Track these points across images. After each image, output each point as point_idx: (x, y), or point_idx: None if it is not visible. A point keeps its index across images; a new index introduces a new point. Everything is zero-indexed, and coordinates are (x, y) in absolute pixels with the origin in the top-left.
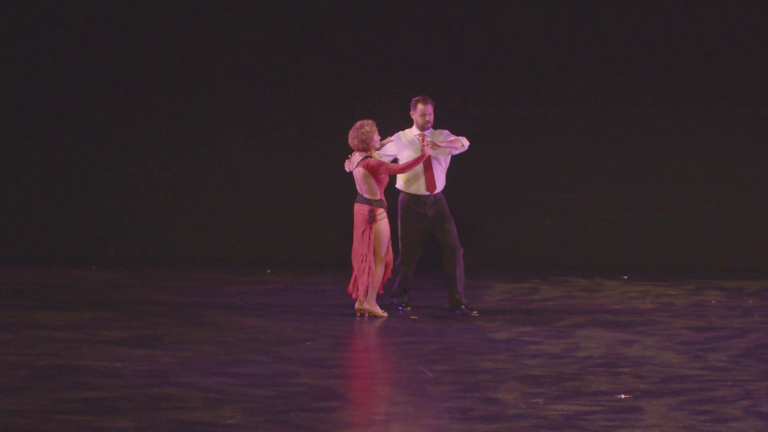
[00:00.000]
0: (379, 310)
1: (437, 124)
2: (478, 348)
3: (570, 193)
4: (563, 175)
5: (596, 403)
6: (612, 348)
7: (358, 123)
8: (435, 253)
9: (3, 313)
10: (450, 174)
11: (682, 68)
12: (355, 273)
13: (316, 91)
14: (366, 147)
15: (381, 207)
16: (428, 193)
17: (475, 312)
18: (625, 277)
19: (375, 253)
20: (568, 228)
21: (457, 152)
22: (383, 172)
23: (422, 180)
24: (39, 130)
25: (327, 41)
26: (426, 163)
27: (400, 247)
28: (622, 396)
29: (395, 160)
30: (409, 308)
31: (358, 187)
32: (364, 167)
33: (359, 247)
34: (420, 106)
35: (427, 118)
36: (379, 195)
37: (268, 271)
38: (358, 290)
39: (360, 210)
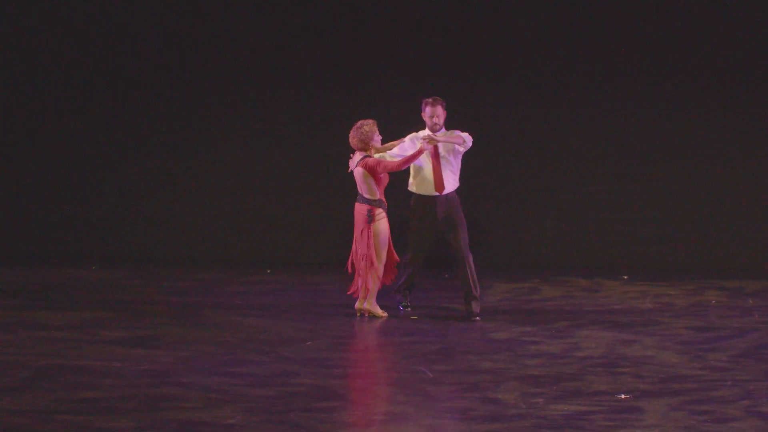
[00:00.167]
0: (379, 310)
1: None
2: (478, 348)
3: (570, 193)
4: (563, 175)
5: (596, 403)
6: (612, 348)
7: (359, 123)
8: (437, 255)
9: (3, 313)
10: None
11: (681, 68)
12: (356, 273)
13: (316, 91)
14: (366, 147)
15: (380, 207)
16: (437, 193)
17: (478, 318)
18: (625, 277)
19: (374, 253)
20: (568, 228)
21: (462, 149)
22: (381, 171)
23: (431, 181)
24: (39, 130)
25: (327, 41)
26: (434, 163)
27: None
28: (622, 396)
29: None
30: (409, 308)
31: (358, 187)
32: (362, 167)
33: (359, 247)
34: (428, 109)
35: (435, 120)
36: (378, 195)
37: (268, 271)
38: (359, 289)
39: (360, 210)
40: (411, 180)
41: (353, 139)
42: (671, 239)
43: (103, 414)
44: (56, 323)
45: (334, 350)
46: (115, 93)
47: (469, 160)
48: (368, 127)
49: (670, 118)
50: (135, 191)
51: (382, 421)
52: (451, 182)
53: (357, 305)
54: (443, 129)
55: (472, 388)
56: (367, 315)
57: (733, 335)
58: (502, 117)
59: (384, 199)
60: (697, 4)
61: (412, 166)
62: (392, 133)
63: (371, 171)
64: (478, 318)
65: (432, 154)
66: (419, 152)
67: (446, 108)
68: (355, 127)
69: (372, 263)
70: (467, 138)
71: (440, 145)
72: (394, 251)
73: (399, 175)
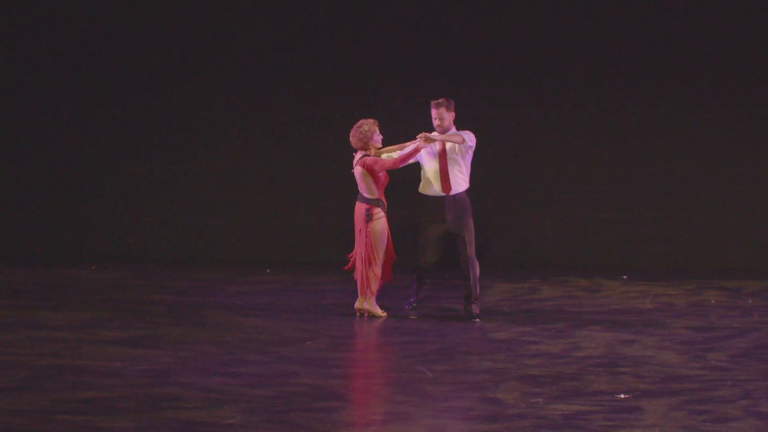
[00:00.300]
0: (378, 310)
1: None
2: (478, 348)
3: (570, 193)
4: (563, 175)
5: (596, 403)
6: (612, 348)
7: (359, 122)
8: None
9: (3, 313)
10: None
11: (682, 68)
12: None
13: (316, 91)
14: (365, 146)
15: (378, 206)
16: (444, 194)
17: (478, 320)
18: (625, 277)
19: (372, 252)
20: (568, 228)
21: (465, 148)
22: (378, 169)
23: (438, 181)
24: (39, 130)
25: (327, 41)
26: (441, 163)
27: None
28: (622, 396)
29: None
30: (415, 308)
31: (358, 186)
32: (361, 165)
33: (358, 246)
34: (433, 111)
35: (437, 122)
36: (377, 194)
37: (268, 271)
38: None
39: (359, 209)
40: (421, 183)
41: (353, 138)
42: (671, 239)
43: (103, 414)
44: (56, 323)
45: (334, 350)
46: (115, 93)
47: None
48: (368, 126)
49: (670, 118)
50: (135, 191)
51: (382, 421)
52: (459, 183)
53: (357, 305)
54: (453, 129)
55: (472, 388)
56: (366, 315)
57: (732, 335)
58: (503, 117)
59: (383, 199)
60: (697, 4)
61: (420, 167)
62: (392, 133)
63: (369, 170)
64: (477, 320)
65: (438, 154)
66: (416, 150)
67: (454, 109)
68: (355, 126)
69: (369, 262)
70: (467, 137)
71: (447, 145)
72: (393, 251)
73: (399, 175)
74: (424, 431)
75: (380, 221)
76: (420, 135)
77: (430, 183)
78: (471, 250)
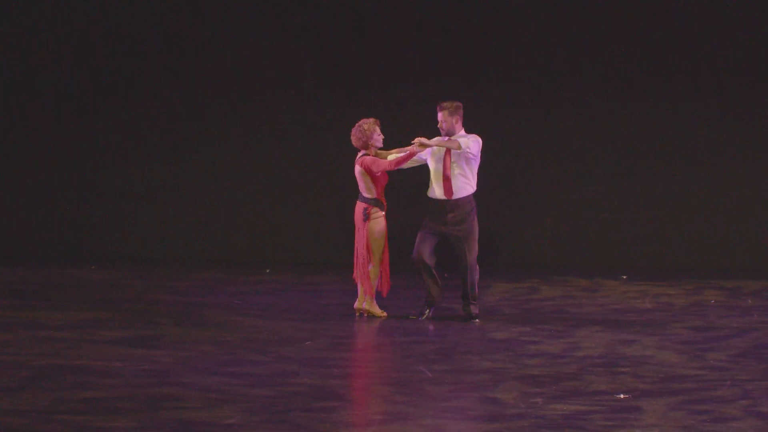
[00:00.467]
0: (378, 310)
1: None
2: (478, 348)
3: (570, 193)
4: (563, 175)
5: (595, 403)
6: (611, 348)
7: (360, 121)
8: (439, 256)
9: (3, 313)
10: None
11: (682, 68)
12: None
13: (316, 91)
14: (366, 145)
15: (377, 206)
16: (446, 198)
17: (477, 320)
18: (625, 277)
19: (370, 252)
20: (568, 228)
21: (469, 155)
22: (376, 169)
23: (441, 185)
24: (39, 130)
25: (327, 41)
26: (444, 167)
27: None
28: (622, 396)
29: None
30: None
31: (359, 185)
32: (359, 165)
33: (358, 246)
34: (437, 113)
35: (439, 125)
36: (375, 194)
37: (268, 271)
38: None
39: (359, 208)
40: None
41: (354, 137)
42: (671, 239)
43: (103, 414)
44: (56, 323)
45: (333, 350)
46: (115, 93)
47: None
48: (368, 125)
49: (670, 118)
50: (135, 191)
51: (382, 421)
52: (463, 187)
53: (356, 305)
54: (461, 133)
55: (472, 388)
56: (366, 315)
57: (732, 335)
58: (503, 118)
59: (383, 199)
60: (697, 4)
61: (427, 170)
62: (392, 133)
63: (367, 169)
64: (477, 321)
65: (442, 158)
66: (410, 154)
67: (462, 113)
68: (356, 125)
69: (366, 263)
70: (465, 143)
71: (451, 150)
72: (388, 259)
73: (399, 176)
74: (424, 431)
75: (379, 221)
76: (415, 140)
77: (434, 187)
78: (472, 257)
